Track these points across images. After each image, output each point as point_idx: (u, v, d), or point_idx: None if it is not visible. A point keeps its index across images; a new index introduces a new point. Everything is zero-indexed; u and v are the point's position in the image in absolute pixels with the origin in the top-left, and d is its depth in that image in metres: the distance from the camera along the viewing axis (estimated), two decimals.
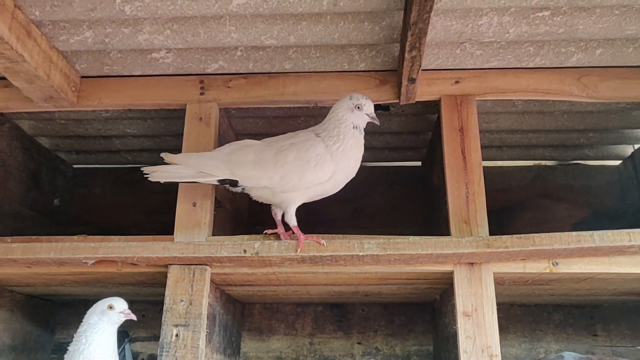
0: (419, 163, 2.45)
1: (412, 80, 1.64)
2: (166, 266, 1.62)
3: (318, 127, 1.62)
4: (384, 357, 2.20)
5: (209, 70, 1.82)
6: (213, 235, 1.70)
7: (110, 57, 1.78)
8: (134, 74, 1.85)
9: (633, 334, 2.15)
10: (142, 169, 1.57)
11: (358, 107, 1.57)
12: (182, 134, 1.79)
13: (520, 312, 2.22)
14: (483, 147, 1.77)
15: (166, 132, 2.19)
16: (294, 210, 1.58)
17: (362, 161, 1.66)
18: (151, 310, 2.29)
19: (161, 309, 1.58)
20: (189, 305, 1.57)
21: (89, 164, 2.57)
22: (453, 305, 1.59)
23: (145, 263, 1.62)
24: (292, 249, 1.54)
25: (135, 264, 1.63)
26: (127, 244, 1.59)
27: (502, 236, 1.53)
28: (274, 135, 1.70)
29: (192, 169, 1.55)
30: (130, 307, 2.27)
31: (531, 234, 1.52)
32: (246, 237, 1.63)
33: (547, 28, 1.57)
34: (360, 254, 1.52)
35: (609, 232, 1.50)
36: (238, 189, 1.60)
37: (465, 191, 1.66)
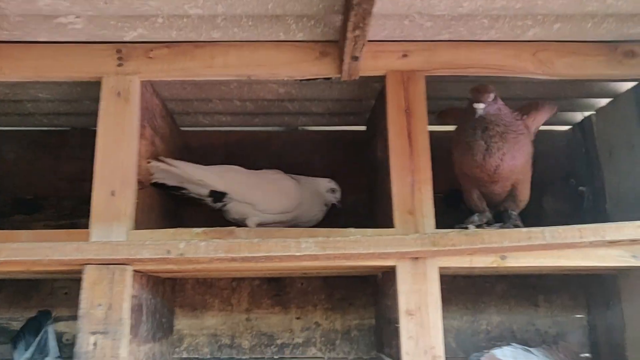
0: (362, 127, 2.29)
1: (355, 59, 1.48)
2: (82, 266, 1.45)
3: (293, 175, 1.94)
4: (323, 332, 2.14)
5: (127, 39, 1.59)
6: (136, 225, 1.53)
7: (8, 20, 1.51)
8: (39, 39, 1.60)
9: (574, 305, 2.13)
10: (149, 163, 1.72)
11: (333, 191, 1.98)
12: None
13: (464, 284, 2.15)
14: (430, 112, 1.65)
15: (83, 96, 1.94)
16: None
17: (302, 125, 2.16)
18: (74, 288, 2.05)
19: None
20: (108, 309, 1.42)
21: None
22: (395, 292, 1.49)
23: (58, 264, 1.44)
24: (221, 250, 1.39)
25: (46, 264, 1.46)
26: (35, 244, 1.40)
27: (449, 233, 1.42)
28: (205, 99, 1.93)
29: (192, 177, 1.76)
30: (51, 286, 2.14)
31: (480, 230, 1.44)
32: (172, 231, 1.49)
33: (503, 3, 1.41)
34: (297, 254, 1.39)
35: (560, 229, 1.42)
36: (218, 205, 1.80)
37: (411, 179, 1.54)
